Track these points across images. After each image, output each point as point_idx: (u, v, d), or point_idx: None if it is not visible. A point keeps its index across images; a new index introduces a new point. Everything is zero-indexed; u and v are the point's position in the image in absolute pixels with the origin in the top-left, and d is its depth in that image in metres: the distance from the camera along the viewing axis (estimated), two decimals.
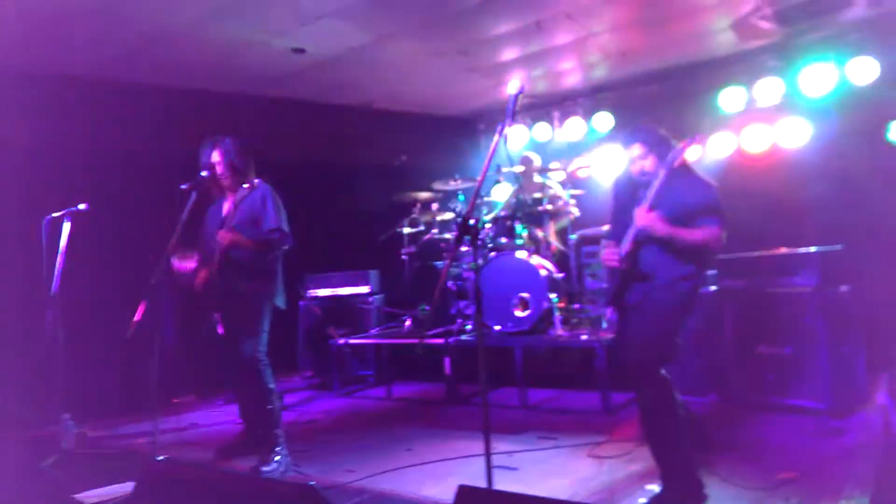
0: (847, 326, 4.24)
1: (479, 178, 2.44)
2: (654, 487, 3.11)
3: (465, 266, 5.56)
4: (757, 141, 6.10)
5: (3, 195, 4.88)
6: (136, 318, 4.59)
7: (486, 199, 5.80)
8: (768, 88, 6.09)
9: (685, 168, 3.15)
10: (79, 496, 3.35)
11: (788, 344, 4.24)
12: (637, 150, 3.22)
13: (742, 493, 3.02)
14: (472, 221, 2.36)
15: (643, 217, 3.04)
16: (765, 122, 6.12)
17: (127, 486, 3.45)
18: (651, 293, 3.11)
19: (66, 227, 4.19)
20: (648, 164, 3.20)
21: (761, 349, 4.41)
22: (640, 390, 3.05)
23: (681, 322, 3.11)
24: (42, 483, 3.45)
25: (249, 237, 3.84)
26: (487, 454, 2.34)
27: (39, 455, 4.05)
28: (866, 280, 4.86)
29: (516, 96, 2.41)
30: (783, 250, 4.55)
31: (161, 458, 2.71)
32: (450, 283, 5.57)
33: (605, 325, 4.92)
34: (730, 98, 6.23)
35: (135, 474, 3.54)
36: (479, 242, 2.33)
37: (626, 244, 3.16)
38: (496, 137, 2.42)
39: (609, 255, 3.24)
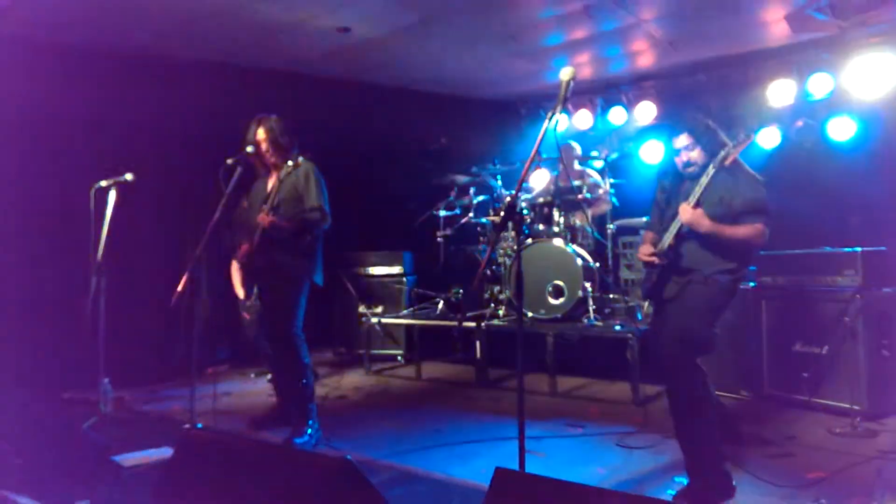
0: (887, 328, 4.15)
1: (526, 163, 2.42)
2: (683, 479, 3.10)
3: (500, 251, 5.56)
4: (805, 136, 5.95)
5: (55, 164, 5.02)
6: (180, 288, 4.72)
7: (524, 184, 5.76)
8: (819, 83, 5.93)
9: (734, 163, 3.09)
10: (117, 458, 3.46)
11: (826, 343, 4.17)
12: (684, 140, 3.17)
13: (771, 490, 2.99)
14: (518, 207, 2.35)
15: (688, 213, 3.02)
16: (814, 117, 5.97)
17: (163, 451, 3.57)
18: (690, 286, 3.08)
19: (112, 196, 4.30)
20: (695, 155, 3.15)
21: (798, 347, 4.35)
22: (674, 380, 3.04)
23: (718, 315, 3.09)
24: (83, 444, 3.57)
25: (290, 217, 3.88)
26: (521, 438, 2.36)
27: (80, 417, 4.20)
28: None
29: (569, 82, 2.38)
30: (826, 249, 4.46)
31: (200, 425, 2.80)
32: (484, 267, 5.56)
33: (640, 317, 4.89)
34: (779, 91, 6.08)
35: (170, 439, 3.69)
36: (521, 229, 2.32)
37: (668, 239, 3.13)
38: (546, 122, 2.40)
39: (646, 252, 3.22)
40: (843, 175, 5.60)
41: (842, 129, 5.81)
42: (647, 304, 3.39)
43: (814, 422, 4.03)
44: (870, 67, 5.59)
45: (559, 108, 2.38)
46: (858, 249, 4.24)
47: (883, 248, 4.36)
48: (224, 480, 2.28)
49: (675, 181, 3.29)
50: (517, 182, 5.80)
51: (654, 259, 3.17)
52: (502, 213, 5.25)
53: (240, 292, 4.90)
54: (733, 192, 3.03)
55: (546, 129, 2.44)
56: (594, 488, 1.72)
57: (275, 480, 2.17)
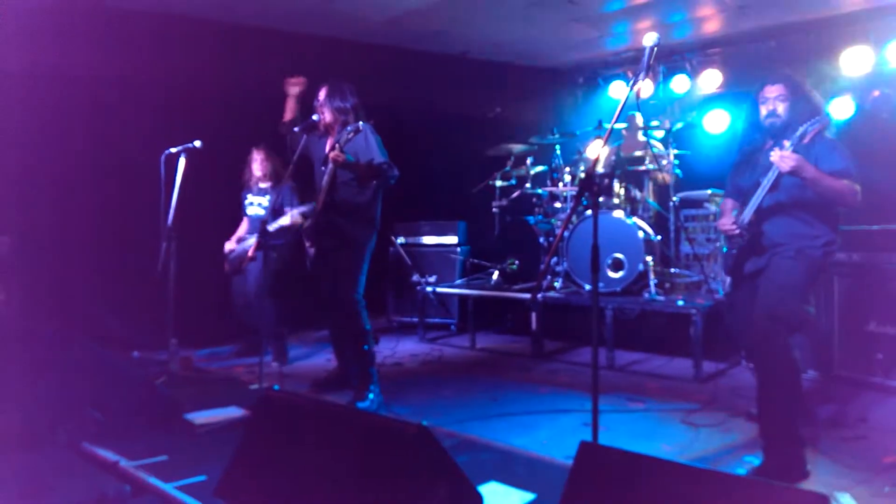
0: None
1: (606, 133, 2.36)
2: (753, 459, 3.05)
3: (557, 223, 5.50)
4: (881, 106, 5.66)
5: (127, 129, 5.15)
6: (250, 254, 4.82)
7: (583, 155, 5.66)
8: None
9: (821, 132, 2.97)
10: (189, 417, 3.58)
11: None
12: (778, 90, 3.06)
13: (844, 473, 2.91)
14: (598, 178, 2.31)
15: (789, 158, 2.81)
16: (891, 87, 5.67)
17: (231, 411, 3.68)
18: (777, 260, 2.99)
19: (182, 162, 4.39)
20: (782, 108, 3.05)
21: (872, 327, 4.20)
22: (765, 358, 2.96)
23: (810, 290, 3.01)
24: (158, 401, 3.70)
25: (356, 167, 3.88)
26: (595, 412, 2.34)
27: (150, 376, 4.35)
28: None
29: (653, 48, 2.30)
30: None
31: (276, 387, 2.87)
32: (541, 239, 5.52)
33: (721, 292, 4.78)
34: (855, 58, 5.79)
35: (237, 399, 3.81)
36: (595, 200, 2.26)
37: (750, 212, 3.04)
38: (628, 90, 2.33)
39: (727, 223, 3.14)
40: None
41: None
42: (728, 279, 3.30)
43: (887, 404, 3.90)
44: None
45: (643, 76, 2.29)
46: None
47: None
48: (301, 443, 2.33)
49: (756, 146, 3.19)
50: (579, 153, 5.67)
51: (735, 230, 3.08)
52: (578, 185, 5.15)
53: (230, 245, 5.18)
54: (822, 155, 2.94)
55: (628, 96, 2.36)
56: (684, 465, 1.70)
57: (351, 444, 2.21)
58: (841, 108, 5.88)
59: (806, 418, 3.29)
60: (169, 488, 2.66)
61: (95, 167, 5.18)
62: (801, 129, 2.91)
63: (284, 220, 4.74)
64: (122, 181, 5.18)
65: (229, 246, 5.21)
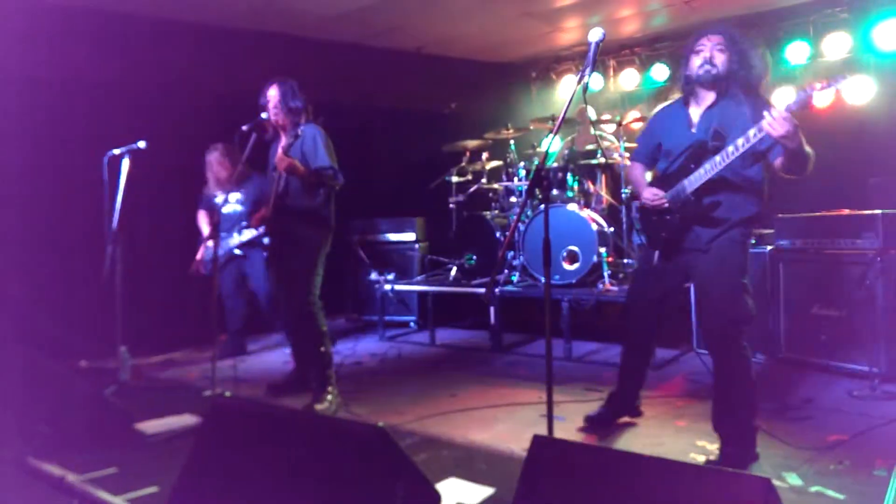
0: None
1: (555, 128, 2.37)
2: (705, 444, 3.13)
3: (514, 217, 5.53)
4: (821, 97, 5.85)
5: (68, 131, 4.96)
6: (198, 257, 4.70)
7: (537, 149, 5.70)
8: (836, 42, 5.82)
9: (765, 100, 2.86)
10: (140, 426, 3.48)
11: (845, 306, 4.16)
12: (718, 39, 2.83)
13: (792, 453, 3.00)
14: (548, 173, 2.31)
15: (787, 121, 2.50)
16: (832, 77, 5.86)
17: (184, 418, 3.60)
18: (721, 239, 2.89)
19: (126, 164, 4.26)
20: (720, 60, 2.81)
21: (816, 310, 4.35)
22: (724, 359, 2.94)
23: (747, 274, 2.94)
24: (106, 411, 3.59)
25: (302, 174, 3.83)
26: (549, 405, 2.36)
27: (99, 386, 4.22)
28: None
29: (597, 44, 2.32)
30: (845, 211, 4.42)
31: (228, 393, 2.81)
32: (498, 234, 5.54)
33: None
34: (795, 51, 5.98)
35: (190, 406, 3.72)
36: (547, 194, 2.27)
37: (698, 182, 2.84)
38: (576, 86, 2.34)
39: (652, 196, 2.98)
40: (861, 137, 5.53)
41: (860, 91, 5.72)
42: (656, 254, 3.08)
43: (832, 385, 4.05)
44: (888, 26, 5.47)
45: (589, 71, 2.31)
46: (879, 212, 4.20)
47: None
48: (255, 449, 2.29)
49: (674, 107, 3.06)
50: (533, 147, 5.72)
51: (664, 204, 2.95)
52: (528, 180, 5.18)
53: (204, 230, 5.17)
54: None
55: (573, 91, 2.38)
56: (633, 454, 1.72)
57: (306, 449, 2.18)
58: (784, 99, 6.05)
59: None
60: (119, 501, 2.57)
61: (35, 170, 4.98)
62: (803, 94, 2.60)
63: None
64: (64, 184, 5.00)
65: (200, 253, 5.14)
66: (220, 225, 5.13)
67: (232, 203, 5.22)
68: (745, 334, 2.91)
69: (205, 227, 5.26)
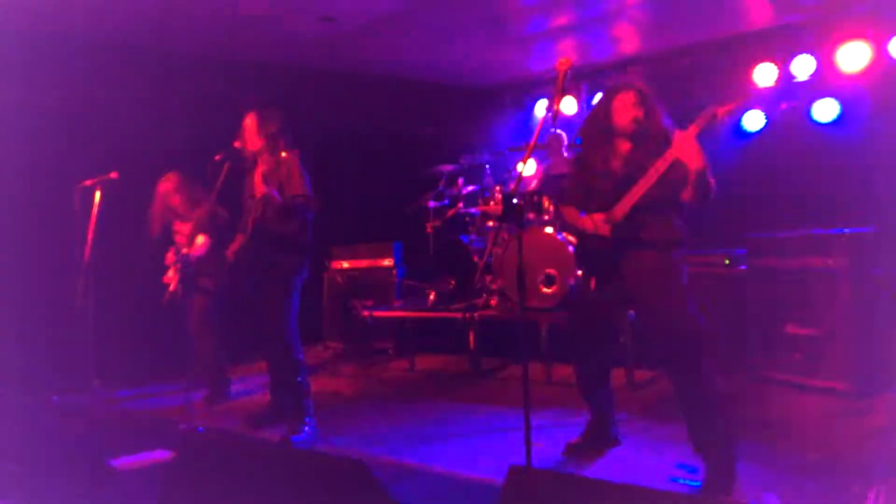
0: (877, 309, 4.20)
1: (525, 154, 2.40)
2: (686, 468, 3.13)
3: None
4: (789, 118, 5.99)
5: (37, 162, 4.90)
6: (171, 287, 4.64)
7: (512, 173, 5.74)
8: (802, 65, 5.97)
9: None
10: (113, 462, 3.40)
11: (818, 325, 4.22)
12: (631, 96, 3.06)
13: (770, 473, 3.02)
14: (515, 200, 2.33)
15: (689, 139, 2.75)
16: (797, 100, 6.01)
17: (159, 453, 3.52)
18: (656, 261, 3.01)
19: (98, 195, 4.21)
20: (643, 114, 3.05)
21: (789, 329, 4.40)
22: (682, 374, 2.96)
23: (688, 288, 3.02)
24: (77, 448, 3.51)
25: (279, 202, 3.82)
26: (527, 433, 2.35)
27: (70, 421, 4.12)
28: None
29: (566, 73, 2.36)
30: (815, 230, 4.50)
31: (202, 428, 2.75)
32: (476, 258, 5.55)
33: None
34: (762, 74, 6.11)
35: (166, 440, 3.64)
36: (520, 221, 2.30)
37: (625, 208, 3.00)
38: (545, 112, 2.37)
39: (601, 222, 3.06)
40: (828, 156, 5.64)
41: (825, 111, 5.86)
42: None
43: (808, 403, 4.08)
44: (852, 48, 5.64)
45: (559, 99, 2.34)
46: (847, 231, 4.28)
47: (870, 229, 4.40)
48: (229, 484, 2.25)
49: (596, 144, 3.17)
50: (508, 171, 5.76)
51: (607, 231, 3.04)
52: (501, 207, 5.20)
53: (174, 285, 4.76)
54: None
55: (543, 118, 2.41)
56: (607, 482, 1.72)
57: (282, 483, 2.14)
58: (753, 121, 6.20)
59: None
60: None
61: (6, 200, 4.89)
62: (705, 120, 2.82)
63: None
64: (35, 215, 4.92)
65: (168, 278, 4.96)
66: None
67: (179, 234, 4.86)
68: (705, 354, 2.92)
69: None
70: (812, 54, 5.90)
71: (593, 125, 3.16)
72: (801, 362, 4.26)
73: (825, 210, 5.21)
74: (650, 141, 3.03)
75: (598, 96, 3.10)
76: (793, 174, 5.38)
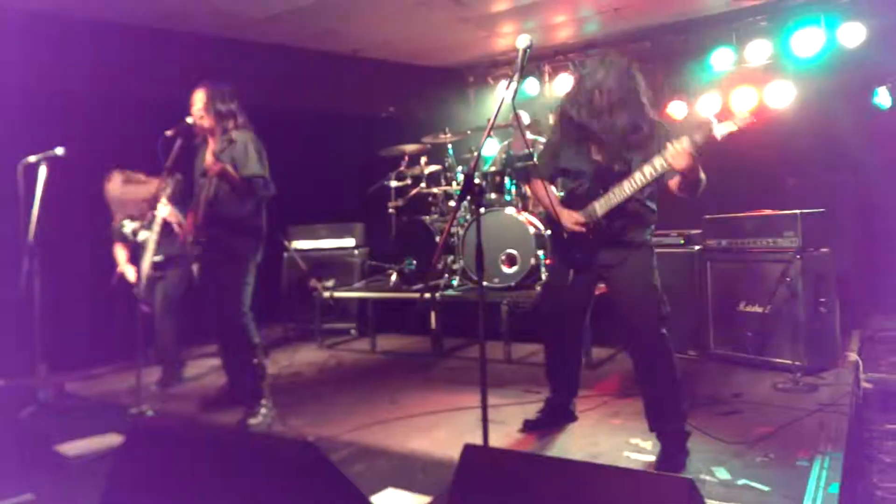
0: (825, 287, 4.34)
1: (484, 134, 2.37)
2: (639, 441, 3.19)
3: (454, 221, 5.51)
4: (744, 101, 6.09)
5: None
6: (119, 269, 4.50)
7: (475, 153, 5.70)
8: (758, 49, 6.07)
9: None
10: (61, 448, 3.31)
11: (768, 303, 4.33)
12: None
13: (721, 448, 3.09)
14: (476, 180, 2.30)
15: (685, 155, 2.66)
16: (752, 83, 6.12)
17: (110, 438, 3.44)
18: (631, 256, 3.07)
19: (43, 172, 4.04)
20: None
21: (741, 307, 4.51)
22: (651, 350, 3.05)
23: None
24: (23, 434, 3.41)
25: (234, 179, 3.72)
26: (484, 411, 2.35)
27: (16, 406, 3.99)
28: (846, 241, 4.98)
29: (526, 50, 2.33)
30: (766, 212, 4.60)
31: (151, 412, 2.68)
32: (438, 238, 5.52)
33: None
34: (719, 58, 6.20)
35: (115, 425, 3.56)
36: (479, 202, 2.28)
37: (605, 208, 3.01)
38: (505, 93, 2.34)
39: (576, 220, 3.07)
40: (781, 140, 5.77)
41: (780, 95, 5.98)
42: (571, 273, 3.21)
43: (758, 379, 4.20)
44: (806, 34, 5.75)
45: (518, 77, 2.32)
46: (798, 212, 4.39)
47: (820, 210, 4.53)
48: (180, 469, 2.19)
49: (576, 131, 3.07)
50: (471, 151, 5.72)
51: (583, 229, 3.06)
52: (461, 187, 5.18)
53: (129, 274, 4.61)
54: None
55: (503, 98, 2.38)
56: (560, 459, 1.73)
57: (234, 467, 2.10)
58: (710, 104, 6.29)
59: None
60: None
61: None
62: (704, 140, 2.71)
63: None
64: None
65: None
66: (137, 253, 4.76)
67: (145, 229, 4.65)
68: (667, 333, 3.04)
69: (122, 263, 4.71)
70: (767, 38, 6.01)
71: (587, 104, 2.96)
72: (753, 339, 4.37)
73: (777, 191, 5.34)
74: (644, 139, 2.95)
75: (590, 68, 2.99)
76: (744, 158, 5.48)
